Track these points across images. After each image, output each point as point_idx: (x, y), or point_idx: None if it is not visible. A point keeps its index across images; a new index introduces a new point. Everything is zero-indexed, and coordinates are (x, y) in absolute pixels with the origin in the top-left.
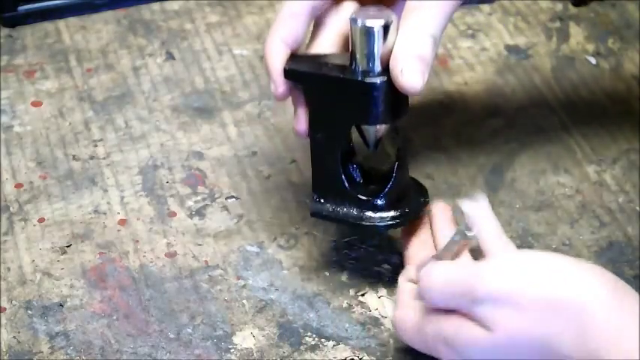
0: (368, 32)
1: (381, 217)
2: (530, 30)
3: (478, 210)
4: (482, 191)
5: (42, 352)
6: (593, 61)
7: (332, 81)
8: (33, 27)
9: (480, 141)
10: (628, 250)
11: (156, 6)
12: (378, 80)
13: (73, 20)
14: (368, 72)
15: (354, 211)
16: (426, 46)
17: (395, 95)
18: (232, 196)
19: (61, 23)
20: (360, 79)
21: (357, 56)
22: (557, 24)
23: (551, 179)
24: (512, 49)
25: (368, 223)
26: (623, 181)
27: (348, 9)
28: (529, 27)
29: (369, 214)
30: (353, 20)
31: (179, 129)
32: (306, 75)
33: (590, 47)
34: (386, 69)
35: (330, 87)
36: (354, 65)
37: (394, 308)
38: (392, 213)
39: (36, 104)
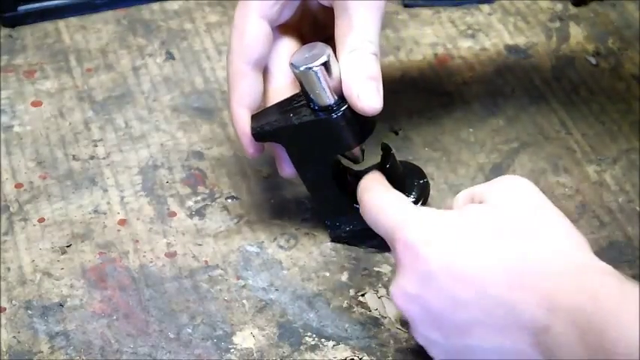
0: (311, 75)
1: None
2: (530, 30)
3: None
4: None
5: (42, 352)
6: (593, 61)
7: (298, 128)
8: (33, 27)
9: (480, 141)
10: (628, 250)
11: (156, 6)
12: (338, 113)
13: (73, 20)
14: (326, 107)
15: None
16: (372, 64)
17: (360, 115)
18: (232, 196)
19: (61, 23)
20: (322, 117)
21: (311, 96)
22: (557, 24)
23: (551, 179)
24: (512, 49)
25: None
26: (623, 181)
27: (287, 49)
28: (529, 27)
29: None
30: (293, 66)
31: (179, 129)
32: (273, 132)
33: (590, 47)
34: (341, 96)
35: (300, 132)
36: (311, 104)
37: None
38: None
39: (36, 104)
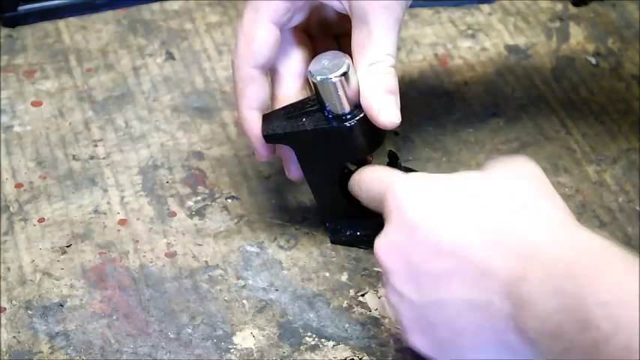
0: (330, 85)
1: None
2: (530, 30)
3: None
4: None
5: (42, 352)
6: (593, 61)
7: (311, 133)
8: (33, 27)
9: (480, 141)
10: (628, 250)
11: (156, 6)
12: (352, 122)
13: (73, 20)
14: (341, 116)
15: (371, 227)
16: (391, 78)
17: (373, 126)
18: (232, 196)
19: (61, 23)
20: (336, 125)
21: (326, 105)
22: (557, 24)
23: (551, 179)
24: (512, 49)
25: None
26: (623, 181)
27: (296, 51)
28: (529, 27)
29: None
30: (312, 76)
31: (179, 129)
32: (284, 136)
33: (590, 47)
34: (356, 106)
35: (312, 138)
36: (325, 112)
37: None
38: None
39: (36, 104)
